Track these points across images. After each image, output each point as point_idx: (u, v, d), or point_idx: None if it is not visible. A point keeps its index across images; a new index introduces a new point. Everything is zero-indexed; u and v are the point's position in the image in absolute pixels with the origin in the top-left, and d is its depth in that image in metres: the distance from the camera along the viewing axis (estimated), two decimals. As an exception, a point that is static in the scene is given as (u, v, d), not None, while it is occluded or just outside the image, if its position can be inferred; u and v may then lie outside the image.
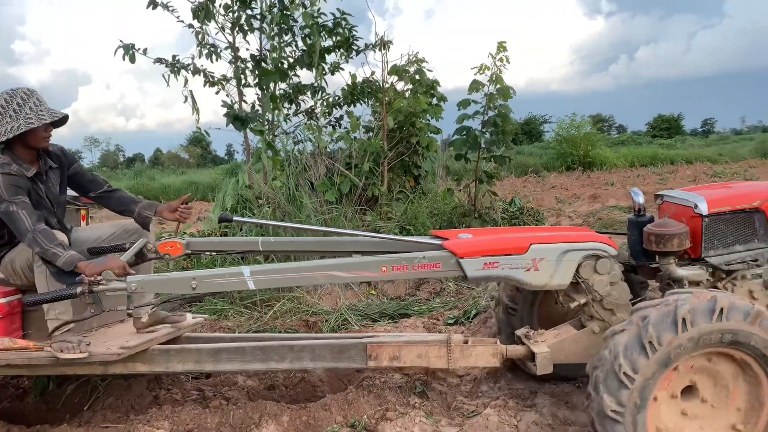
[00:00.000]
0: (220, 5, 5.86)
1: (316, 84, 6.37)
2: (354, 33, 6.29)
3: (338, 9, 6.11)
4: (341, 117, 6.82)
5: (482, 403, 3.05)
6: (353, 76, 6.62)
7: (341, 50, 6.35)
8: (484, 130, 6.19)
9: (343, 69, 6.58)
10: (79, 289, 2.44)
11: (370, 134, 6.80)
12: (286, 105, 6.54)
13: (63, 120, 2.90)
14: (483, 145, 6.30)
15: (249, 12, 5.89)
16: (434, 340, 2.87)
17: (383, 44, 6.23)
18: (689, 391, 2.35)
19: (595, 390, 2.28)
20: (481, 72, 6.03)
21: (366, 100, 6.74)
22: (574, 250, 2.70)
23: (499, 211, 6.47)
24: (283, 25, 5.95)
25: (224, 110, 5.74)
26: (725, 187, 3.17)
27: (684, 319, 2.17)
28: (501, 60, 6.01)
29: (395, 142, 6.51)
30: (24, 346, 2.71)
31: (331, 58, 6.41)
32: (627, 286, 2.78)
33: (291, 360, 2.83)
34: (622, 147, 30.66)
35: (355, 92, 6.56)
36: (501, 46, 6.02)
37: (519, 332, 2.97)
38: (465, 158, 6.39)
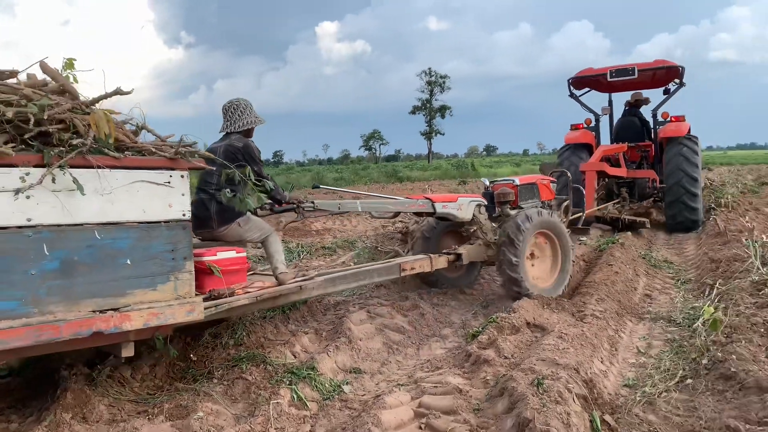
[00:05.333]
0: None
1: None
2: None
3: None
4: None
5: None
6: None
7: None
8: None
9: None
10: (295, 206, 4.21)
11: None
12: None
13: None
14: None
15: None
16: (424, 257, 5.17)
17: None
18: (531, 255, 5.35)
19: (506, 241, 5.01)
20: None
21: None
22: (474, 201, 5.47)
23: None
24: None
25: None
26: (523, 176, 6.35)
27: (539, 212, 5.27)
28: (67, 77, 6.19)
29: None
30: (268, 285, 3.87)
31: None
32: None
33: (369, 278, 4.64)
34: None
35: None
36: (70, 64, 6.26)
37: (445, 250, 5.45)
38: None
